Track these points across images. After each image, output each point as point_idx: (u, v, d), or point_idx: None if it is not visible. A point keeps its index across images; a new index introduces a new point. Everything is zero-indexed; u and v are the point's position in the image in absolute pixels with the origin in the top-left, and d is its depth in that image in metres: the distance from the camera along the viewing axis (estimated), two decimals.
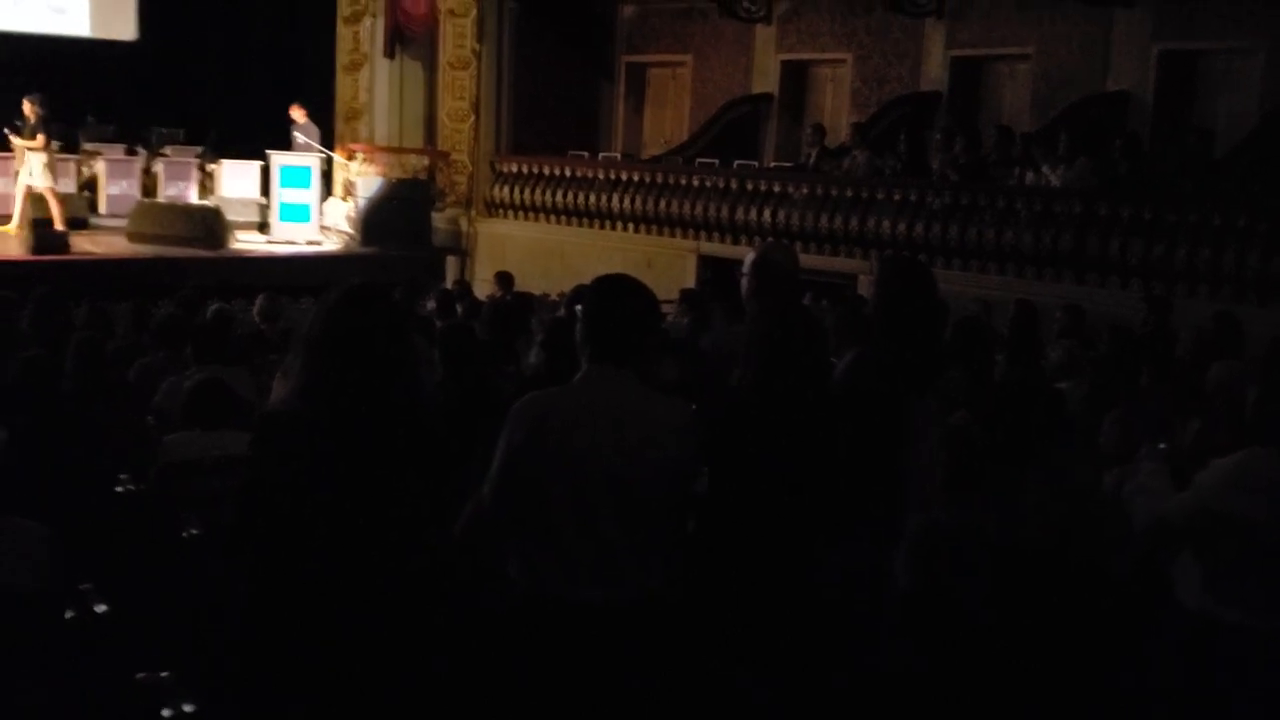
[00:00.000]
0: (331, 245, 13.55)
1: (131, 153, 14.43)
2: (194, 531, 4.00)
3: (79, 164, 13.79)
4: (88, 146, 14.37)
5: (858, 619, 3.39)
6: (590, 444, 2.88)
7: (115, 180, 13.84)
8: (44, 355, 5.32)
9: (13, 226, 11.97)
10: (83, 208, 13.07)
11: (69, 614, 3.36)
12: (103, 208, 13.61)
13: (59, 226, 11.87)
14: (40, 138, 11.69)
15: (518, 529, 2.97)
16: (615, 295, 3.01)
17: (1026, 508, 3.23)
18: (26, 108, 11.69)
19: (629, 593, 2.92)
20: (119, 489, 4.57)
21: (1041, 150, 10.18)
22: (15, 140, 11.84)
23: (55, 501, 3.90)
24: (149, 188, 14.05)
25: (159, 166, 14.20)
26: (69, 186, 13.26)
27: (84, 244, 11.92)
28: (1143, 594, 3.55)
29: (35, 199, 11.96)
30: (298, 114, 13.84)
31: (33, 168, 11.79)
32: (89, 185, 13.73)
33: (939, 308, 4.09)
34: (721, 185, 11.89)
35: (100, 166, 13.86)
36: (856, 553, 3.39)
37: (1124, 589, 3.41)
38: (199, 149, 14.74)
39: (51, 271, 10.75)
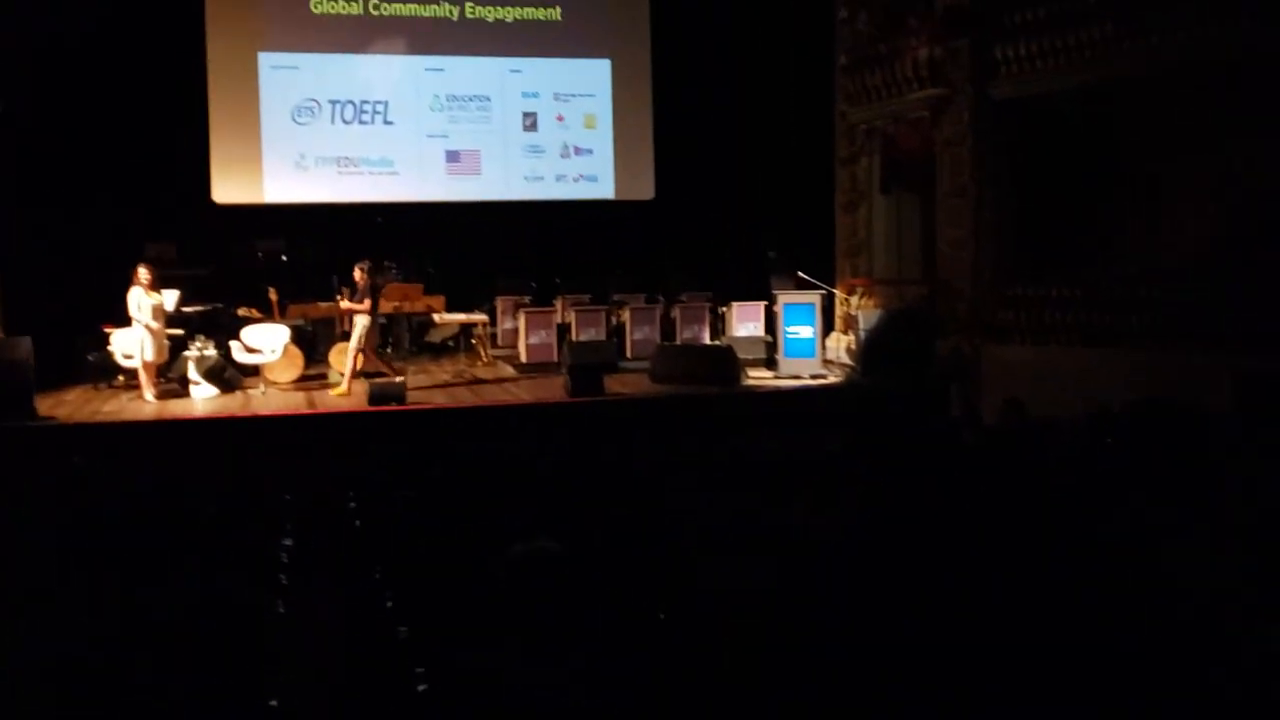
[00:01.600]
0: (835, 378, 13.85)
1: (652, 301, 15.74)
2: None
3: (608, 313, 15.21)
4: (616, 297, 15.90)
5: None
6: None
7: (639, 326, 15.13)
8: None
9: (343, 387, 12.44)
10: (611, 353, 14.29)
11: None
12: (629, 351, 14.87)
13: (341, 387, 12.45)
14: (366, 302, 12.41)
15: None
16: (1162, 424, 2.79)
17: None
18: (357, 274, 12.44)
19: None
20: (661, 616, 4.84)
21: None
22: (344, 304, 12.67)
23: (599, 626, 4.20)
24: (668, 331, 15.22)
25: (676, 311, 15.37)
26: (600, 334, 14.65)
27: (614, 385, 13.01)
28: None
29: (580, 347, 13.26)
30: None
31: (356, 330, 12.50)
32: (617, 332, 15.08)
33: None
34: (1261, 296, 10.82)
35: (626, 314, 15.21)
36: None
37: None
38: (709, 293, 15.84)
39: (588, 410, 11.89)
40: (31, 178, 14.17)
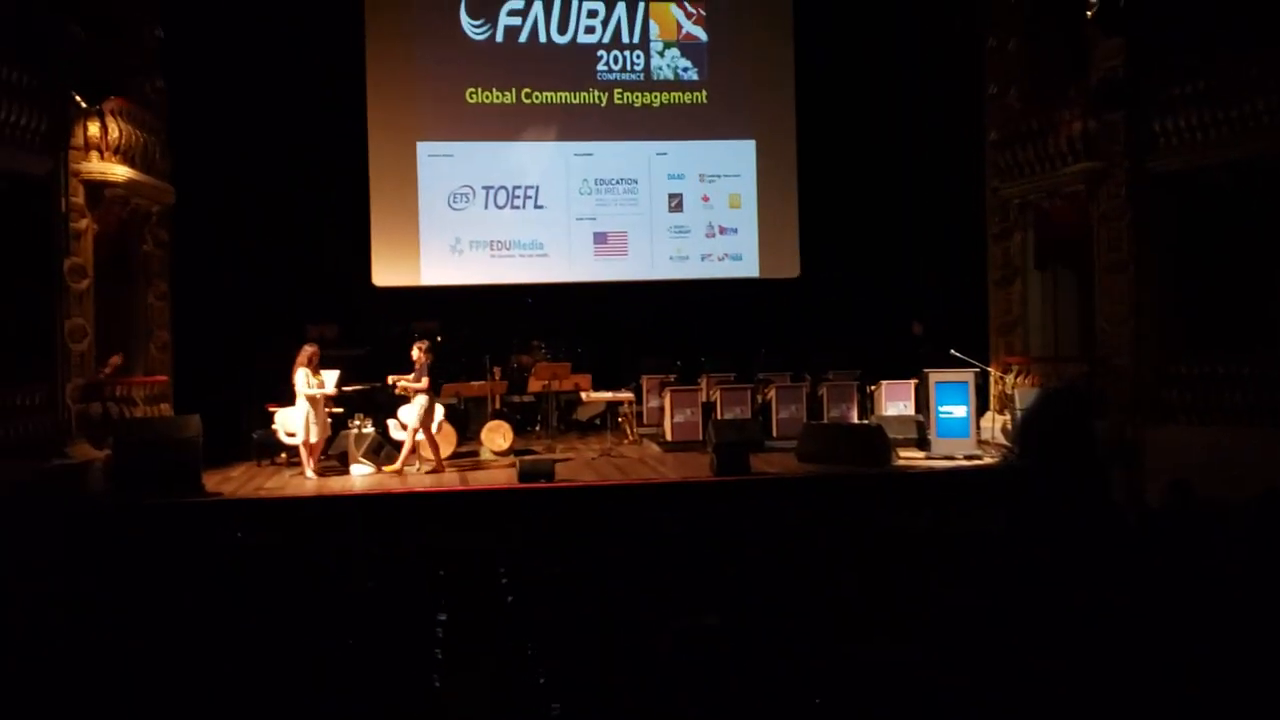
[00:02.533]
0: (990, 459, 13.49)
1: (798, 379, 15.64)
2: None
3: (754, 391, 15.16)
4: (761, 375, 15.85)
5: None
6: None
7: (785, 405, 15.04)
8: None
9: (396, 465, 12.71)
10: (756, 431, 14.19)
11: None
12: (774, 430, 14.78)
13: (403, 465, 12.60)
14: (424, 381, 12.46)
15: None
16: None
17: None
18: (416, 352, 12.57)
19: None
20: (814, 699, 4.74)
21: None
22: (401, 384, 12.69)
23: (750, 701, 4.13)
24: (814, 409, 15.08)
25: (823, 390, 15.23)
26: (745, 412, 14.58)
27: (760, 464, 12.90)
28: None
29: (725, 426, 13.23)
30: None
31: (413, 409, 12.56)
32: (763, 410, 15.00)
33: None
34: None
35: (772, 393, 15.14)
36: None
37: None
38: (858, 371, 15.67)
39: (734, 489, 11.82)
40: (203, 264, 14.93)
